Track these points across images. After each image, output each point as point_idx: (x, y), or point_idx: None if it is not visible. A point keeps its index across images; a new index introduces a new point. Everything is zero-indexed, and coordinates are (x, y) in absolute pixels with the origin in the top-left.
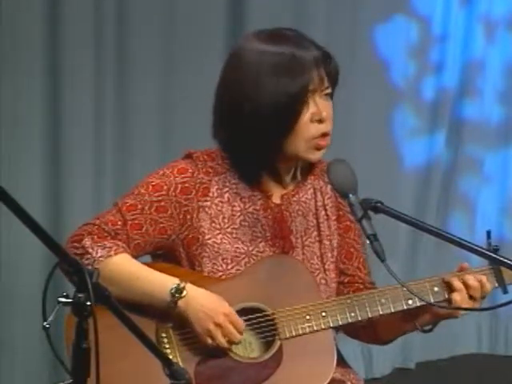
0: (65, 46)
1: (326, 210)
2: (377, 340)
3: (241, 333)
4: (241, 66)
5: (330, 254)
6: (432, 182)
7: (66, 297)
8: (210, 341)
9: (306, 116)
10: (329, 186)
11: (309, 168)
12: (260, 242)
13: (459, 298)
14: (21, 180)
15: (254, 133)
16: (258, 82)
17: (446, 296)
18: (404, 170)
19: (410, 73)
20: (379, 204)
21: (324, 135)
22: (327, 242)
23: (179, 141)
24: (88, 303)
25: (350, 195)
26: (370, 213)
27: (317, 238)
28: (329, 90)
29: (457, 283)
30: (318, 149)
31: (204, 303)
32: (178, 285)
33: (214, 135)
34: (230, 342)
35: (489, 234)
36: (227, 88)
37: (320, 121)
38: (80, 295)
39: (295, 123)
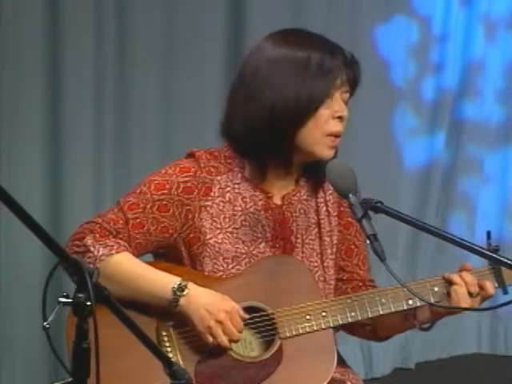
0: (65, 46)
1: (327, 205)
2: (375, 337)
3: (240, 331)
4: (267, 64)
5: (329, 251)
6: (432, 182)
7: (66, 297)
8: (210, 338)
9: (328, 111)
10: None
11: (311, 169)
12: (260, 243)
13: (459, 291)
14: (21, 179)
15: (270, 123)
16: (285, 80)
17: (445, 292)
18: (404, 169)
19: (409, 73)
20: (379, 204)
21: (337, 135)
22: (327, 239)
23: (179, 140)
24: (88, 303)
25: (350, 195)
26: (370, 213)
27: (317, 235)
28: (347, 95)
29: (457, 278)
30: (331, 147)
31: (205, 301)
32: (180, 283)
33: (225, 131)
34: (230, 340)
35: (489, 234)
36: (252, 88)
37: (340, 119)
38: (80, 295)
39: (310, 117)
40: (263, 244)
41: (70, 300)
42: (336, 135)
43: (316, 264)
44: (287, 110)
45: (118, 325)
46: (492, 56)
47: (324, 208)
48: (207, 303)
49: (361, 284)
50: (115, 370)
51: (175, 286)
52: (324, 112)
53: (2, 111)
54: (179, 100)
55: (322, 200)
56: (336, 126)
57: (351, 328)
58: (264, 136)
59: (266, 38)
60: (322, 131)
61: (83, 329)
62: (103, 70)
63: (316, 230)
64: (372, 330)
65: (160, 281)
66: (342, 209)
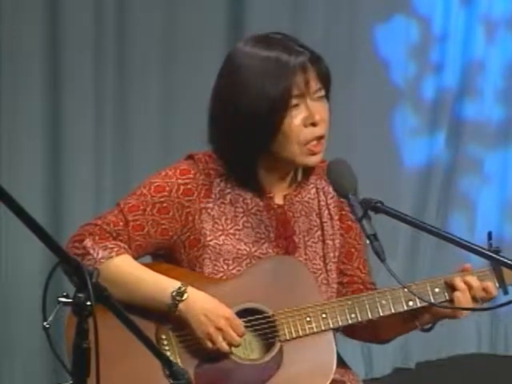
0: (65, 47)
1: (328, 209)
2: (376, 339)
3: (241, 336)
4: (231, 70)
5: (332, 254)
6: (432, 182)
7: (66, 297)
8: (210, 344)
9: (298, 120)
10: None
11: (309, 169)
12: (263, 244)
13: (462, 297)
14: (21, 179)
15: (238, 134)
16: (244, 85)
17: (447, 297)
18: (404, 169)
19: (409, 73)
20: (379, 204)
21: (319, 138)
22: (330, 242)
23: (179, 140)
24: (88, 303)
25: (350, 195)
26: (370, 213)
27: (320, 238)
28: (322, 93)
29: (459, 283)
30: (313, 154)
31: (205, 307)
32: (179, 288)
33: (208, 139)
34: (230, 345)
35: (490, 235)
36: (218, 91)
37: (313, 124)
38: (80, 295)
39: (279, 127)
40: (266, 244)
41: (70, 300)
42: (314, 140)
43: (319, 267)
44: (252, 126)
45: (118, 327)
46: (492, 56)
47: (326, 212)
48: (206, 309)
49: (362, 287)
50: (115, 371)
51: (174, 290)
52: (293, 122)
53: (1, 111)
54: (179, 100)
55: (323, 203)
56: (311, 133)
57: (352, 332)
58: (237, 150)
59: (239, 45)
60: (297, 142)
61: (83, 329)
62: (103, 69)
63: (319, 232)
64: (373, 332)
65: (159, 285)
66: (343, 212)
